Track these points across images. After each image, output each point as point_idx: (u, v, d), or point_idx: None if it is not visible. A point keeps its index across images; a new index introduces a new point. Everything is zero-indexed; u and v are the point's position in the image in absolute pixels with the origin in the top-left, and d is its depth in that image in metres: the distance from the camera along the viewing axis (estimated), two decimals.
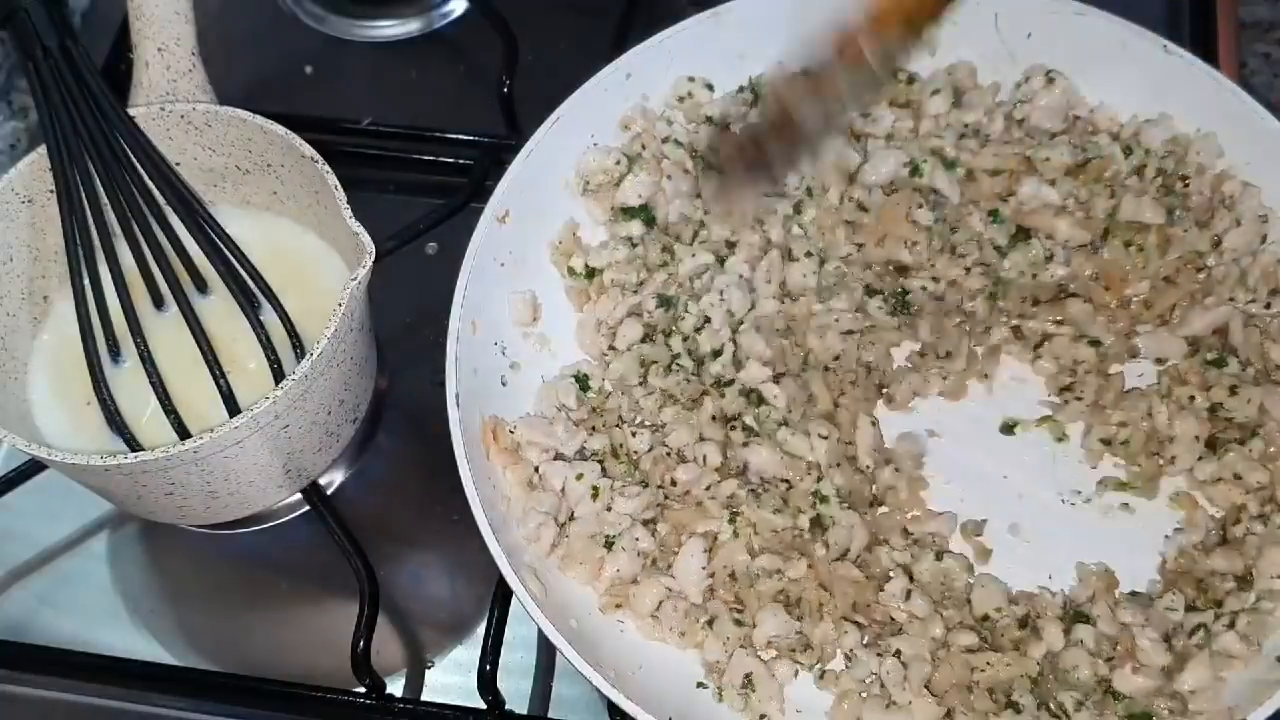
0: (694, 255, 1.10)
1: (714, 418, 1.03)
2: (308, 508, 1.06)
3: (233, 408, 0.94)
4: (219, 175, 1.05)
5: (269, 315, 0.96)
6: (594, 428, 1.04)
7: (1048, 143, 1.11)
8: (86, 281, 0.94)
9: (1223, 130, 1.09)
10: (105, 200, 0.95)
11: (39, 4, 0.91)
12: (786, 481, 1.00)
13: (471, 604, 1.06)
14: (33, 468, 1.04)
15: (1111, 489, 1.02)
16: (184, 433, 0.94)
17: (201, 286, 1.00)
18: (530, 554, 0.97)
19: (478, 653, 0.98)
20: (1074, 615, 0.96)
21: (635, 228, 1.11)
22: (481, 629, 0.99)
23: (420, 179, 1.23)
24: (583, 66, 1.12)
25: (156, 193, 0.96)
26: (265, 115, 1.00)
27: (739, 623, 0.96)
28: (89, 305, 0.94)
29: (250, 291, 0.95)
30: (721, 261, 1.10)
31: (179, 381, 0.95)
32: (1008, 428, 1.05)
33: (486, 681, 0.97)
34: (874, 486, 1.02)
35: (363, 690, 0.99)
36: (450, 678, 1.04)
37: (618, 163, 1.12)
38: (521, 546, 0.97)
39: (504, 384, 1.05)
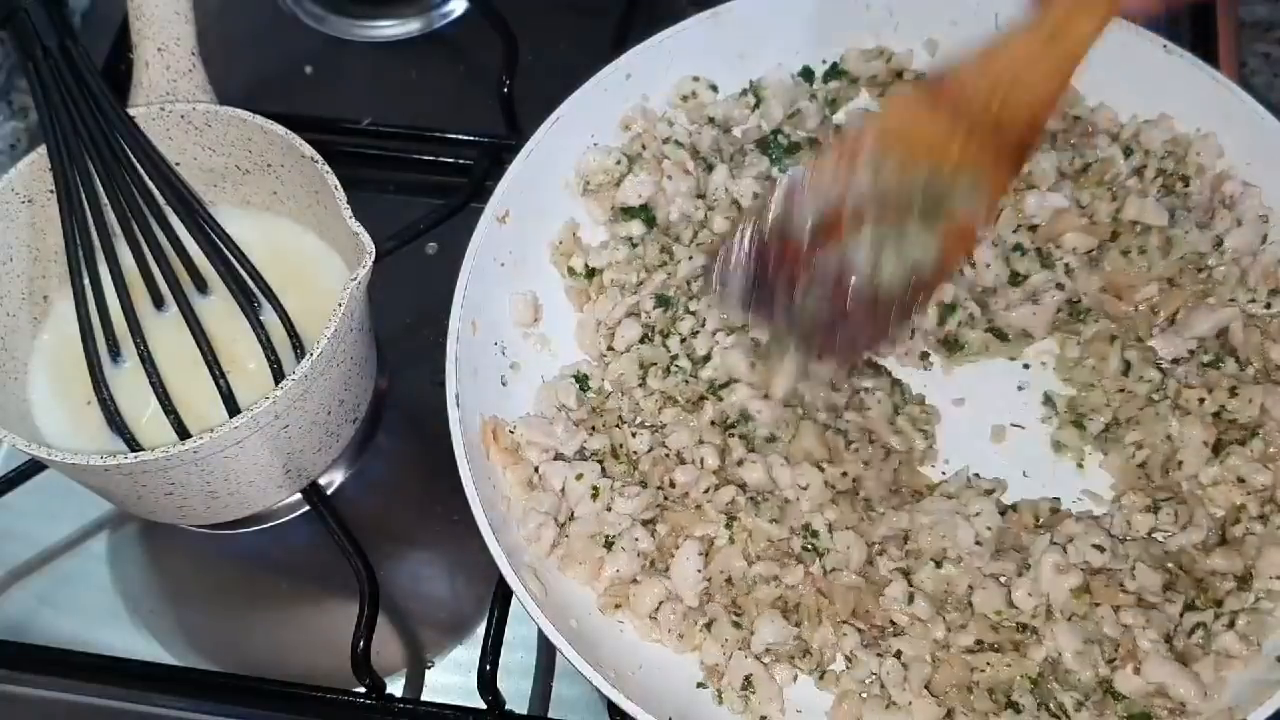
0: (692, 257, 1.10)
1: (713, 422, 1.03)
2: (308, 508, 1.06)
3: (233, 408, 0.94)
4: (219, 175, 1.05)
5: (269, 315, 0.96)
6: (594, 428, 1.04)
7: (1033, 156, 1.10)
8: (86, 281, 0.95)
9: (1223, 130, 1.09)
10: (105, 200, 0.95)
11: (39, 4, 0.91)
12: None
13: (471, 604, 1.06)
14: (33, 468, 1.04)
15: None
16: (184, 433, 0.94)
17: (201, 286, 1.00)
18: (530, 554, 0.97)
19: (478, 653, 0.98)
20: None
21: (635, 228, 1.11)
22: (481, 629, 0.99)
23: (420, 179, 1.23)
24: (583, 66, 1.12)
25: (156, 193, 0.96)
26: (265, 115, 1.00)
27: (737, 625, 0.96)
28: (89, 305, 0.94)
29: (250, 291, 0.95)
30: None
31: (179, 381, 0.95)
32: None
33: (486, 681, 0.97)
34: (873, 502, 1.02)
35: (363, 690, 0.99)
36: (450, 678, 1.04)
37: (618, 163, 1.12)
38: (521, 546, 0.97)
39: (504, 384, 1.05)
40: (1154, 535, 0.99)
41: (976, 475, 1.03)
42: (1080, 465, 1.04)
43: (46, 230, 1.00)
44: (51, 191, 0.96)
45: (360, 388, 1.02)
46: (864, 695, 0.94)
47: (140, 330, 0.94)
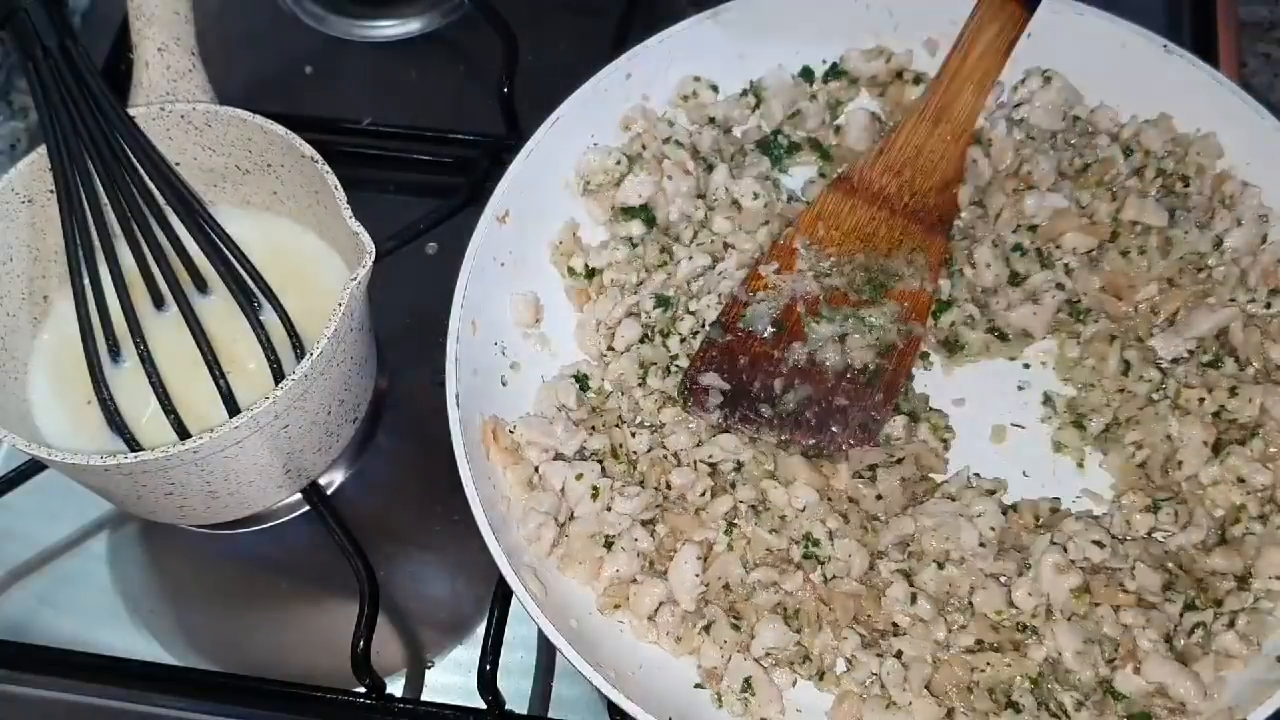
0: (692, 258, 1.10)
1: (713, 425, 1.03)
2: (308, 508, 1.06)
3: (232, 407, 0.94)
4: (219, 175, 1.05)
5: (269, 315, 0.96)
6: (594, 428, 1.04)
7: (1031, 156, 1.11)
8: (86, 281, 0.95)
9: (1223, 130, 1.09)
10: (105, 200, 0.95)
11: (39, 4, 0.91)
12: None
13: (471, 604, 1.06)
14: (33, 468, 1.04)
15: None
16: (184, 433, 0.94)
17: (201, 286, 1.00)
18: (530, 554, 0.97)
19: (478, 653, 0.98)
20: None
21: (635, 228, 1.11)
22: (481, 629, 0.99)
23: (420, 179, 1.23)
24: (583, 66, 1.12)
25: (156, 192, 0.96)
26: (265, 115, 1.00)
27: (736, 628, 0.96)
28: (89, 305, 0.94)
29: (250, 291, 0.95)
30: (716, 262, 1.10)
31: (179, 382, 0.95)
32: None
33: (486, 681, 0.97)
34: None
35: (363, 690, 0.99)
36: (450, 678, 1.04)
37: (618, 163, 1.12)
38: (521, 546, 0.97)
39: (504, 384, 1.05)
40: (1154, 535, 0.99)
41: (977, 475, 1.03)
42: (1080, 465, 1.04)
43: (46, 230, 1.00)
44: (51, 191, 0.96)
45: (360, 388, 1.02)
46: (864, 696, 0.94)
47: (140, 330, 0.94)
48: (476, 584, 1.06)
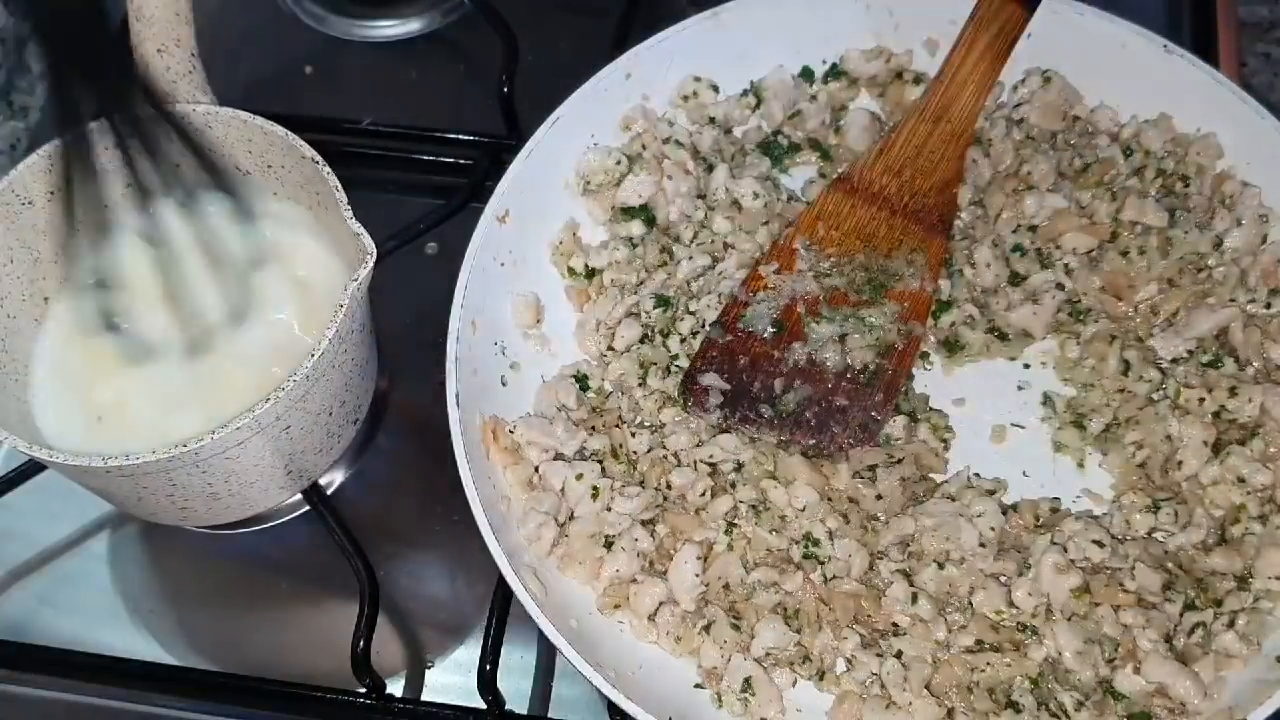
0: (692, 258, 1.10)
1: (713, 425, 1.03)
2: (308, 508, 1.06)
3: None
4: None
5: (272, 316, 0.96)
6: (594, 428, 1.04)
7: (1031, 156, 1.11)
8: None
9: (1223, 130, 1.09)
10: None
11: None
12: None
13: (471, 604, 1.06)
14: (33, 468, 1.04)
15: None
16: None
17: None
18: (530, 554, 0.97)
19: (478, 653, 0.98)
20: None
21: (635, 228, 1.11)
22: (481, 629, 0.99)
23: (420, 179, 1.23)
24: (583, 66, 1.12)
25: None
26: (265, 115, 1.00)
27: (736, 628, 0.96)
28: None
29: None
30: (716, 263, 1.10)
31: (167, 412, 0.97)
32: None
33: (486, 681, 0.97)
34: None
35: (363, 690, 0.99)
36: (450, 678, 1.04)
37: (618, 163, 1.12)
38: (521, 546, 0.97)
39: (504, 384, 1.05)
40: (1154, 535, 0.99)
41: (977, 475, 1.03)
42: (1080, 465, 1.04)
43: (46, 232, 1.00)
44: (51, 193, 0.96)
45: (361, 389, 1.02)
46: (864, 696, 0.94)
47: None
48: (476, 584, 1.06)
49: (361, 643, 0.98)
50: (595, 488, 0.99)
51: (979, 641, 0.95)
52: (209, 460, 0.90)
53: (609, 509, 0.99)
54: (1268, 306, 1.05)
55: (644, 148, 1.14)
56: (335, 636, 1.01)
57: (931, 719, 0.92)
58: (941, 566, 0.97)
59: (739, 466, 1.01)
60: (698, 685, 0.96)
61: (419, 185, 1.23)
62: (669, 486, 1.01)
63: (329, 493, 1.08)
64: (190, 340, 0.98)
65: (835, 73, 1.19)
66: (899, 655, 0.94)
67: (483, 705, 0.98)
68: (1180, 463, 1.00)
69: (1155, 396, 1.03)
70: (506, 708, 0.99)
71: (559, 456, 1.02)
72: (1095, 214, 1.09)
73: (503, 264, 1.07)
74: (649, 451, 1.02)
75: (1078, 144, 1.13)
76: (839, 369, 1.03)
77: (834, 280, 1.06)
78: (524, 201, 1.08)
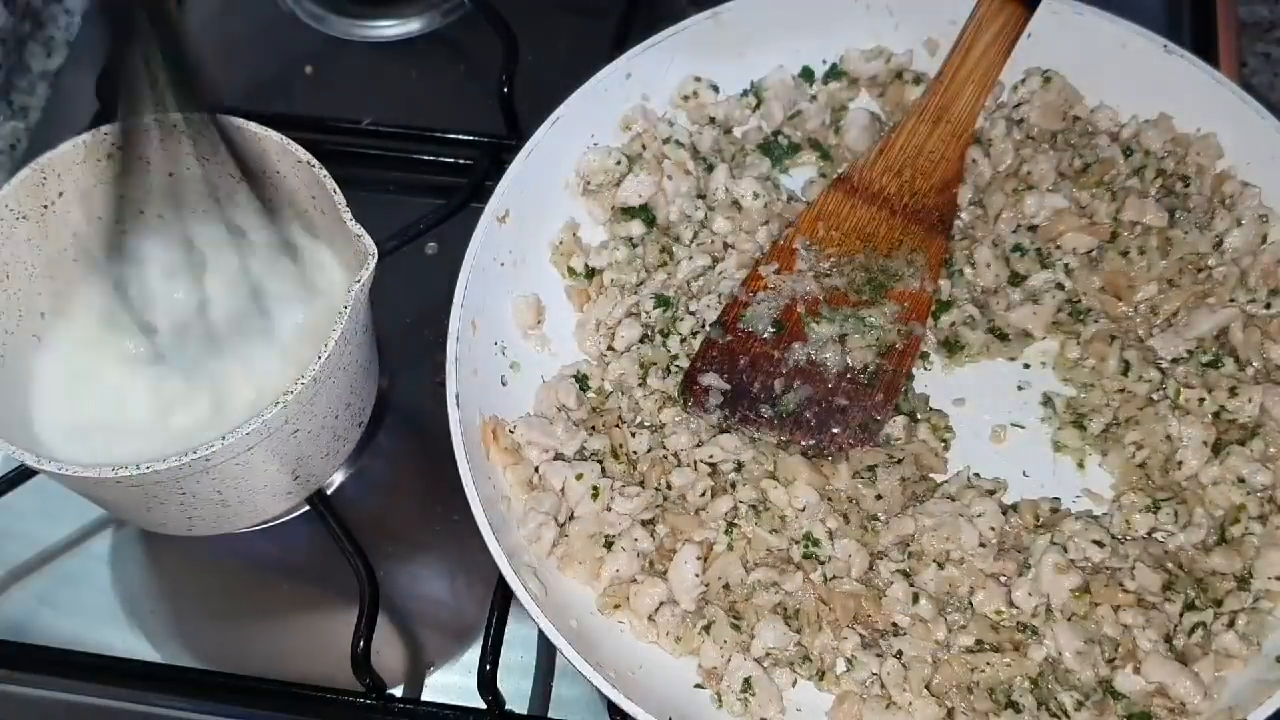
0: (692, 258, 1.10)
1: (713, 425, 1.03)
2: (308, 508, 1.06)
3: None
4: (214, 184, 1.04)
5: (275, 318, 0.96)
6: (594, 428, 1.04)
7: (1031, 156, 1.11)
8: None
9: (1223, 130, 1.09)
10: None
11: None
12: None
13: (471, 604, 1.06)
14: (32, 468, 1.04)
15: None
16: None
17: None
18: (530, 554, 0.97)
19: (478, 653, 0.98)
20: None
21: (635, 228, 1.11)
22: (481, 629, 0.99)
23: (420, 179, 1.23)
24: (583, 66, 1.12)
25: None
26: (265, 116, 1.00)
27: (736, 628, 0.96)
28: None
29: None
30: (716, 263, 1.10)
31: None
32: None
33: (486, 681, 0.97)
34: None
35: (363, 690, 0.99)
36: (450, 678, 1.04)
37: (618, 163, 1.12)
38: (521, 546, 0.97)
39: (504, 384, 1.05)
40: (1154, 535, 0.99)
41: (977, 475, 1.03)
42: (1080, 465, 1.04)
43: (42, 246, 1.00)
44: (45, 206, 0.97)
45: (365, 391, 1.02)
46: (864, 696, 0.94)
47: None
48: (476, 584, 1.06)
49: (361, 643, 0.98)
50: (595, 488, 0.99)
51: (979, 641, 0.95)
52: (219, 467, 0.89)
53: (609, 509, 0.99)
54: (1268, 306, 1.05)
55: (644, 148, 1.14)
56: (335, 636, 1.01)
57: (931, 719, 0.92)
58: (941, 566, 0.97)
59: (739, 466, 1.01)
60: (698, 685, 0.96)
61: (419, 185, 1.23)
62: (669, 486, 1.01)
63: (329, 493, 1.08)
64: (198, 344, 0.98)
65: (835, 73, 1.19)
66: (899, 655, 0.94)
67: (483, 705, 0.98)
68: (1180, 463, 1.00)
69: (1155, 396, 1.03)
70: (506, 708, 0.99)
71: (559, 456, 1.02)
72: (1095, 214, 1.09)
73: (503, 264, 1.07)
74: (649, 451, 1.02)
75: (1078, 144, 1.13)
76: (839, 369, 1.03)
77: (834, 280, 1.07)
78: (524, 201, 1.08)
